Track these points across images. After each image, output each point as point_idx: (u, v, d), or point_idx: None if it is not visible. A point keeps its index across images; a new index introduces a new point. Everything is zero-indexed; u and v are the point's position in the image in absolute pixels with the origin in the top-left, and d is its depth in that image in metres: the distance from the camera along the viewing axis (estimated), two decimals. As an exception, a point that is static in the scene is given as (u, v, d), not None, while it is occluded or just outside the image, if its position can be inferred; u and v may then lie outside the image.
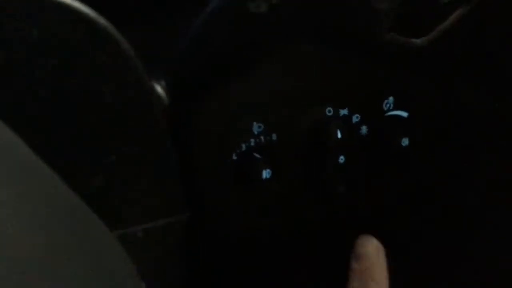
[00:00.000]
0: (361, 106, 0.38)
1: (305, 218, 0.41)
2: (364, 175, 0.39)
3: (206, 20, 0.33)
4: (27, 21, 0.28)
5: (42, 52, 0.29)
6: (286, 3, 0.33)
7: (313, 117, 0.37)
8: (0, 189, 0.22)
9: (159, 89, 0.33)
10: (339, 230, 0.40)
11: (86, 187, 0.30)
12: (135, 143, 0.32)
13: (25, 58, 0.29)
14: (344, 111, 0.38)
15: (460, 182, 0.45)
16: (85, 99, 0.30)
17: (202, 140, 0.36)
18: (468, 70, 0.40)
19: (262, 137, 0.36)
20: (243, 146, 0.36)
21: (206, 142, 0.36)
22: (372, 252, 0.36)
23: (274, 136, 0.37)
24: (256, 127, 0.36)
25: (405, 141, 0.39)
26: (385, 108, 0.38)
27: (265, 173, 0.36)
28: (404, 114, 0.39)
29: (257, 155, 0.36)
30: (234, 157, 0.36)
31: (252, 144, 0.36)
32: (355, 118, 0.38)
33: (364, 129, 0.38)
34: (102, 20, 0.29)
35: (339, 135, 0.37)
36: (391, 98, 0.38)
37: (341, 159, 0.38)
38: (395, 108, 0.38)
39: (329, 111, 0.37)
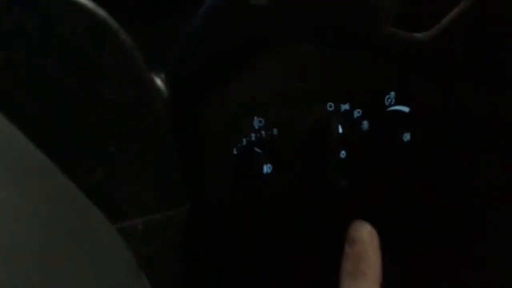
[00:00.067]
0: (362, 101, 0.38)
1: (306, 215, 0.41)
2: (366, 171, 0.39)
3: (206, 16, 0.33)
4: (27, 13, 0.28)
5: (42, 43, 0.28)
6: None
7: (314, 112, 0.37)
8: (1, 186, 0.22)
9: (158, 81, 0.33)
10: (339, 229, 0.40)
11: (86, 180, 0.30)
12: (135, 136, 0.32)
13: (25, 49, 0.28)
14: (345, 106, 0.37)
15: (461, 179, 0.45)
16: (84, 91, 0.30)
17: (203, 134, 0.35)
18: (469, 67, 0.40)
19: (263, 132, 0.36)
20: (244, 141, 0.36)
21: (206, 136, 0.35)
22: (365, 237, 0.36)
23: (275, 131, 0.37)
24: (257, 122, 0.36)
25: (406, 136, 0.39)
26: (387, 103, 0.38)
27: (266, 168, 0.36)
28: (406, 109, 0.39)
29: (258, 150, 0.36)
30: (235, 152, 0.36)
31: (253, 139, 0.36)
32: (357, 113, 0.38)
33: (365, 124, 0.38)
34: (101, 11, 0.29)
35: (340, 130, 0.37)
36: (392, 93, 0.38)
37: (342, 154, 0.37)
38: (396, 103, 0.38)
39: (330, 106, 0.37)
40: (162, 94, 0.33)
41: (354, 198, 0.39)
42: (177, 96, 0.33)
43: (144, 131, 0.32)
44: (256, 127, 0.36)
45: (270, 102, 0.36)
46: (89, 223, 0.27)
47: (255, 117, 0.36)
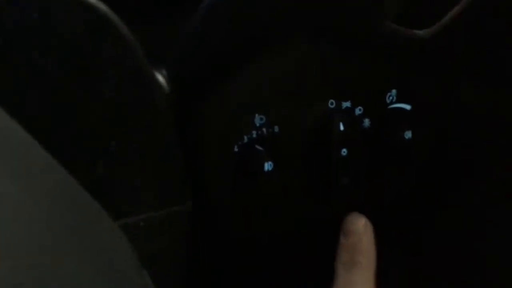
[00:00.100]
0: (363, 99, 0.38)
1: (306, 215, 0.41)
2: (367, 169, 0.39)
3: (206, 16, 0.33)
4: (27, 7, 0.28)
5: (42, 38, 0.28)
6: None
7: (315, 109, 0.37)
8: (2, 182, 0.22)
9: (160, 77, 0.33)
10: (339, 229, 0.40)
11: (87, 176, 0.30)
12: (136, 132, 0.31)
13: (25, 41, 0.28)
14: (346, 104, 0.37)
15: (461, 179, 0.45)
16: (84, 86, 0.30)
17: (204, 132, 0.35)
18: (470, 65, 0.40)
19: (264, 129, 0.36)
20: (245, 139, 0.36)
21: (207, 134, 0.35)
22: (360, 229, 0.37)
23: (276, 129, 0.36)
24: (258, 119, 0.36)
25: (408, 134, 0.39)
26: (388, 101, 0.38)
27: (267, 166, 0.36)
28: (407, 107, 0.39)
29: (259, 147, 0.36)
30: (236, 150, 0.36)
31: (254, 136, 0.36)
32: (358, 111, 0.38)
33: (366, 122, 0.38)
34: (102, 6, 0.29)
35: (341, 128, 0.37)
36: (394, 91, 0.38)
37: (344, 152, 0.37)
38: (398, 101, 0.38)
39: (332, 104, 0.37)
40: (164, 90, 0.33)
41: (354, 197, 0.39)
42: (178, 91, 0.33)
43: (145, 128, 0.32)
44: (258, 125, 0.36)
45: (271, 99, 0.36)
46: (91, 220, 0.27)
47: (256, 115, 0.36)
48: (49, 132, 0.27)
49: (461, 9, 0.36)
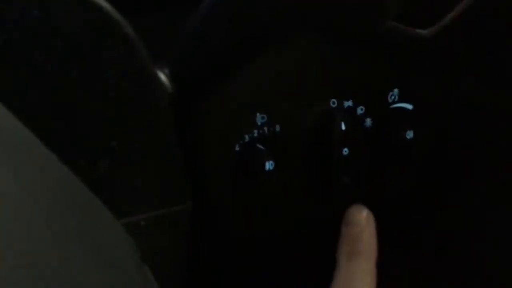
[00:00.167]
0: (365, 98, 0.38)
1: (306, 215, 0.41)
2: (368, 168, 0.39)
3: (206, 16, 0.33)
4: (28, 4, 0.28)
5: (43, 35, 0.28)
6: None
7: (317, 109, 0.37)
8: (4, 181, 0.21)
9: (162, 76, 0.33)
10: (339, 229, 0.39)
11: (88, 176, 0.30)
12: (137, 131, 0.31)
13: (25, 40, 0.28)
14: (348, 103, 0.37)
15: (461, 179, 0.45)
16: (87, 84, 0.29)
17: (205, 131, 0.35)
18: (472, 64, 0.40)
19: (265, 128, 0.36)
20: (246, 137, 0.36)
21: (208, 133, 0.35)
22: (362, 220, 0.37)
23: (277, 128, 0.36)
24: (259, 118, 0.36)
25: (409, 134, 0.39)
26: (390, 100, 0.38)
27: (268, 165, 0.36)
28: (409, 106, 0.39)
29: (260, 147, 0.36)
30: (237, 148, 0.36)
31: (256, 135, 0.36)
32: (360, 110, 0.38)
33: (368, 121, 0.38)
34: (104, 4, 0.29)
35: (343, 127, 0.37)
36: (396, 91, 0.38)
37: (345, 151, 0.37)
38: (400, 101, 0.38)
39: (333, 103, 0.37)
40: (166, 89, 0.33)
41: (355, 196, 0.39)
42: (180, 90, 0.33)
43: (146, 127, 0.31)
44: (259, 124, 0.36)
45: (273, 98, 0.36)
46: (92, 217, 0.26)
47: (258, 114, 0.36)
48: (49, 131, 0.27)
49: (463, 9, 0.36)
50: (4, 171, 0.22)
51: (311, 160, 0.38)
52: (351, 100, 0.37)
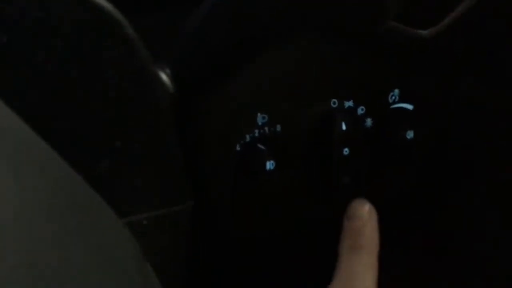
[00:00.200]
0: (366, 98, 0.38)
1: (306, 215, 0.41)
2: (368, 168, 0.39)
3: (206, 16, 0.33)
4: (28, 4, 0.28)
5: (44, 35, 0.28)
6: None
7: (317, 108, 0.37)
8: (4, 180, 0.21)
9: (163, 76, 0.33)
10: (339, 229, 0.39)
11: (88, 176, 0.30)
12: (138, 130, 0.31)
13: (26, 41, 0.28)
14: (349, 103, 0.37)
15: (461, 179, 0.45)
16: (88, 84, 0.29)
17: (206, 131, 0.35)
18: (473, 65, 0.40)
19: (266, 128, 0.36)
20: (247, 137, 0.36)
21: (209, 133, 0.35)
22: (364, 214, 0.37)
23: (278, 127, 0.36)
24: (260, 118, 0.36)
25: (409, 134, 0.39)
26: (391, 101, 0.38)
27: (269, 165, 0.36)
28: (410, 107, 0.39)
29: (261, 146, 0.36)
30: (238, 148, 0.36)
31: (256, 135, 0.36)
32: (360, 110, 0.38)
33: (369, 121, 0.38)
34: (106, 4, 0.29)
35: (343, 127, 0.37)
36: (396, 91, 0.38)
37: (345, 151, 0.37)
38: (400, 101, 0.38)
39: (334, 103, 0.37)
40: (167, 89, 0.33)
41: (355, 196, 0.39)
42: (181, 89, 0.33)
43: (147, 126, 0.31)
44: (260, 124, 0.36)
45: (273, 98, 0.36)
46: (94, 216, 0.26)
47: (259, 114, 0.36)
48: (49, 131, 0.27)
49: (464, 9, 0.35)
50: (4, 170, 0.22)
51: (312, 160, 0.38)
52: (351, 100, 0.37)
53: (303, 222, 0.41)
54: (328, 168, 0.38)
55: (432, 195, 0.45)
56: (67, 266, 0.21)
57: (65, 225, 0.23)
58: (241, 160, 0.36)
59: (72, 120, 0.30)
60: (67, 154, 0.26)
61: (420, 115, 0.39)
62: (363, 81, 0.37)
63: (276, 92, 0.36)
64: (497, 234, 0.44)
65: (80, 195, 0.26)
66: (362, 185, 0.39)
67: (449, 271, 0.45)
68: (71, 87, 0.29)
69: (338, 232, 0.39)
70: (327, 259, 0.38)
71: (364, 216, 0.37)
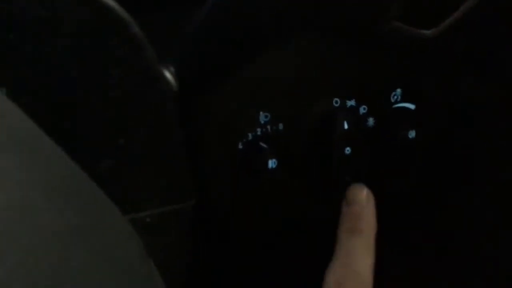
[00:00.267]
0: (368, 98, 0.38)
1: (306, 215, 0.41)
2: (370, 167, 0.39)
3: (207, 16, 0.33)
4: (34, 3, 0.28)
5: (50, 35, 0.28)
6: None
7: (320, 108, 0.37)
8: (12, 173, 0.21)
9: (168, 75, 0.33)
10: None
11: (94, 172, 0.30)
12: (143, 129, 0.31)
13: (32, 39, 0.28)
14: (351, 102, 0.37)
15: (462, 178, 0.45)
16: (93, 82, 0.29)
17: (209, 129, 0.35)
18: (475, 65, 0.40)
19: (268, 127, 0.36)
20: (249, 136, 0.36)
21: (212, 131, 0.35)
22: (362, 198, 0.38)
23: (280, 126, 0.36)
24: (262, 117, 0.36)
25: (411, 134, 0.39)
26: (393, 100, 0.38)
27: (271, 163, 0.36)
28: (412, 106, 0.39)
29: (263, 145, 0.36)
30: (240, 146, 0.36)
31: (259, 133, 0.36)
32: (362, 110, 0.38)
33: (371, 120, 0.38)
34: (111, 2, 0.29)
35: (345, 127, 0.37)
36: (398, 90, 0.38)
37: (347, 150, 0.37)
38: (402, 100, 0.38)
39: (336, 102, 0.37)
40: (172, 88, 0.33)
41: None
42: (184, 88, 0.33)
43: (151, 125, 0.31)
44: (262, 122, 0.36)
45: (276, 97, 0.36)
46: (97, 215, 0.26)
47: (261, 112, 0.36)
48: (53, 130, 0.27)
49: (466, 9, 0.36)
50: (11, 167, 0.22)
51: (313, 159, 0.38)
52: (354, 100, 0.37)
53: (303, 222, 0.41)
54: (329, 167, 0.38)
55: (432, 195, 0.45)
56: (67, 266, 0.21)
57: (67, 225, 0.23)
58: (243, 158, 0.36)
59: (76, 119, 0.30)
60: (70, 153, 0.26)
61: (422, 115, 0.39)
62: (366, 80, 0.37)
63: (278, 91, 0.36)
64: (497, 234, 0.45)
65: (83, 194, 0.26)
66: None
67: (449, 271, 0.45)
68: (76, 86, 0.29)
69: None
70: (327, 259, 0.38)
71: (362, 200, 0.38)
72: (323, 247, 0.39)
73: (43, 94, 0.29)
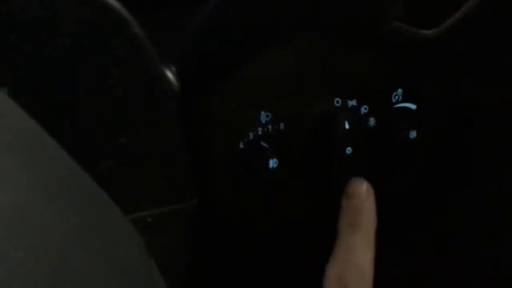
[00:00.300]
0: (369, 98, 0.38)
1: (308, 212, 0.41)
2: (371, 167, 0.39)
3: (208, 15, 0.33)
4: (35, 3, 0.28)
5: (50, 34, 0.28)
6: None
7: (321, 107, 0.37)
8: (13, 173, 0.21)
9: (169, 74, 0.33)
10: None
11: (94, 172, 0.30)
12: (144, 128, 0.31)
13: (32, 39, 0.28)
14: (352, 102, 0.37)
15: (462, 178, 0.45)
16: (93, 82, 0.29)
17: (210, 128, 0.35)
18: (476, 65, 0.40)
19: (269, 126, 0.36)
20: (251, 135, 0.36)
21: (213, 130, 0.35)
22: (362, 192, 0.38)
23: (281, 126, 0.36)
24: (263, 116, 0.36)
25: (412, 134, 0.39)
26: (394, 100, 0.38)
27: (272, 163, 0.36)
28: (413, 106, 0.39)
29: (264, 144, 0.36)
30: (241, 146, 0.36)
31: (260, 133, 0.36)
32: (363, 110, 0.38)
33: (372, 120, 0.38)
34: (113, 2, 0.29)
35: (346, 126, 0.37)
36: (400, 90, 0.38)
37: (348, 150, 0.37)
38: (403, 100, 0.38)
39: (338, 102, 0.37)
40: (173, 87, 0.33)
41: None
42: (185, 87, 0.33)
43: (152, 125, 0.31)
44: (263, 122, 0.36)
45: (277, 96, 0.36)
46: (98, 214, 0.26)
47: (262, 112, 0.36)
48: (54, 130, 0.27)
49: (467, 10, 0.36)
50: (12, 168, 0.22)
51: (314, 159, 0.38)
52: (355, 100, 0.37)
53: (303, 222, 0.41)
54: (330, 167, 0.38)
55: (432, 195, 0.45)
56: (67, 266, 0.21)
57: (68, 225, 0.23)
58: (244, 158, 0.36)
59: (76, 119, 0.30)
60: (71, 153, 0.26)
61: (423, 115, 0.39)
62: (367, 80, 0.37)
63: (279, 90, 0.36)
64: (497, 234, 0.45)
65: (85, 192, 0.26)
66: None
67: (449, 271, 0.45)
68: (76, 86, 0.29)
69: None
70: (327, 259, 0.38)
71: (362, 194, 0.38)
72: (324, 247, 0.39)
73: (43, 94, 0.29)
